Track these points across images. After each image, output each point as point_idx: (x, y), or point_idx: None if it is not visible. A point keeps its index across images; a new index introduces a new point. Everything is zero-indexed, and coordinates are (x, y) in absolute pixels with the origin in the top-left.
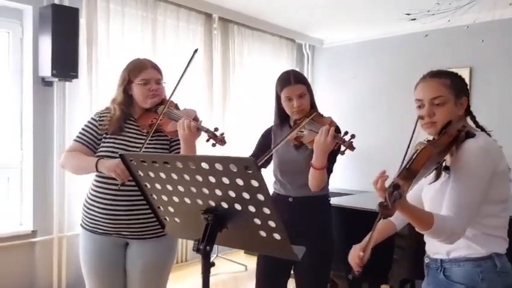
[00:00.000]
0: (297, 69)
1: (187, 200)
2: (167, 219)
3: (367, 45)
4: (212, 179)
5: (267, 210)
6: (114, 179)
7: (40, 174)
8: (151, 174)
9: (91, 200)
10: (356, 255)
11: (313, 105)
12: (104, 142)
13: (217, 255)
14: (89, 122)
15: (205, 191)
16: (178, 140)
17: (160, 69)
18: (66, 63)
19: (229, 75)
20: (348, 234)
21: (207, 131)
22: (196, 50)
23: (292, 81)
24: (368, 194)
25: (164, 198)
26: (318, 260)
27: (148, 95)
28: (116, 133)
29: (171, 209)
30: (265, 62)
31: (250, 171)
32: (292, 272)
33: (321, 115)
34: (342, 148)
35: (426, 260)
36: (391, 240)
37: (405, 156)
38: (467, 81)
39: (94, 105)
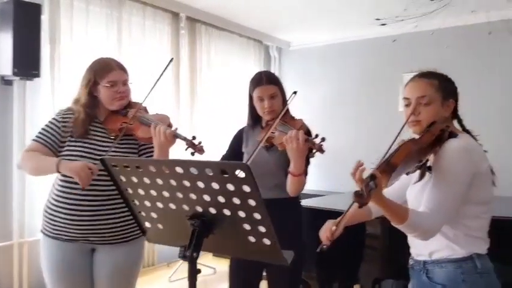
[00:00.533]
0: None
1: (172, 206)
2: (150, 225)
3: (334, 48)
4: (201, 184)
5: (257, 216)
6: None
7: None
8: (134, 180)
9: (54, 205)
10: (328, 228)
11: (285, 106)
12: (69, 146)
13: None
14: (51, 122)
15: (193, 196)
16: (148, 144)
17: (126, 69)
18: (27, 61)
19: (196, 76)
20: (319, 235)
21: (185, 139)
22: (171, 60)
23: (264, 81)
24: (338, 195)
25: (147, 204)
26: (291, 262)
27: (115, 97)
28: (81, 137)
29: (154, 215)
30: (233, 63)
31: (242, 176)
32: (264, 273)
33: (293, 117)
34: (313, 151)
35: (410, 262)
36: (361, 240)
37: (388, 151)
38: None
39: (56, 105)
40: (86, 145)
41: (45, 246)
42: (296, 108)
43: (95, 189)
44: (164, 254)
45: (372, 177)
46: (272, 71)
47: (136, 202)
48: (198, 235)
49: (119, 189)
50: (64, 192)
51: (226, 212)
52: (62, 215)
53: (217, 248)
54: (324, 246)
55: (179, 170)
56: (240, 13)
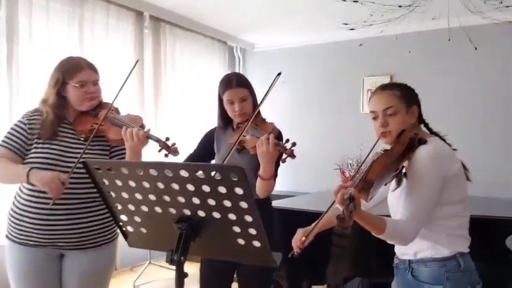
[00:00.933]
0: (229, 72)
1: (158, 209)
2: (132, 230)
3: (298, 51)
4: (191, 187)
5: (249, 218)
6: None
7: None
8: (118, 183)
9: (20, 209)
10: (299, 238)
11: (255, 109)
12: (37, 148)
13: (149, 263)
14: (16, 125)
15: (181, 199)
16: (119, 146)
17: (96, 69)
18: None
19: (161, 77)
20: (290, 235)
21: (158, 140)
22: (137, 61)
23: (234, 84)
24: (306, 195)
25: (131, 207)
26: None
27: (85, 97)
28: (50, 139)
29: (137, 219)
30: (198, 64)
31: (235, 179)
32: (235, 275)
33: (264, 120)
34: (284, 156)
35: (395, 261)
36: (329, 239)
37: (360, 166)
38: None
39: (14, 107)
40: (54, 147)
41: (10, 252)
42: (261, 110)
43: (68, 192)
44: (128, 258)
45: (351, 199)
46: (236, 72)
47: (119, 206)
48: (185, 239)
49: (101, 193)
50: (32, 196)
51: (216, 214)
52: (29, 220)
53: (203, 251)
54: (295, 253)
55: (168, 172)
56: (205, 13)
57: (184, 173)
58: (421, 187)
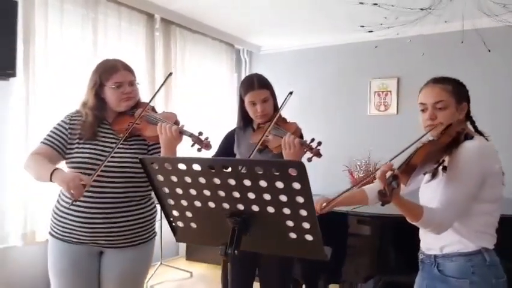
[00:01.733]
0: (236, 75)
1: (211, 204)
2: (182, 224)
3: (304, 53)
4: (247, 182)
5: (304, 212)
6: (92, 185)
7: None
8: (174, 179)
9: (64, 207)
10: (320, 203)
11: (276, 109)
12: (78, 149)
13: (161, 263)
14: (58, 124)
15: (236, 194)
16: (157, 144)
17: (132, 69)
18: (3, 61)
19: (171, 80)
20: None
21: (191, 135)
22: (170, 74)
23: (256, 86)
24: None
25: (184, 203)
26: (282, 261)
27: (122, 98)
28: (90, 139)
29: (189, 214)
30: (206, 67)
31: (294, 175)
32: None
33: (285, 119)
34: (310, 155)
35: (420, 256)
36: (347, 238)
37: (403, 152)
38: (394, 90)
39: (31, 106)
40: (94, 147)
41: (54, 249)
42: None
43: (108, 191)
44: None
45: (394, 177)
46: (243, 75)
47: (171, 201)
48: (238, 233)
49: (154, 189)
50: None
51: (270, 209)
52: (72, 217)
53: (253, 245)
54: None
55: (227, 168)
56: (213, 16)
57: (243, 169)
58: (463, 179)
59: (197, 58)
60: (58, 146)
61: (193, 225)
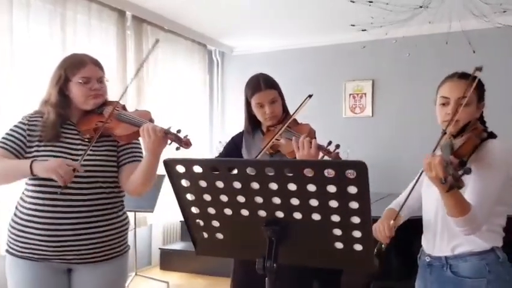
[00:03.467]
0: (208, 76)
1: (245, 212)
2: (206, 235)
3: (278, 55)
4: (292, 187)
5: (356, 220)
6: (55, 191)
7: None
8: (202, 184)
9: (24, 219)
10: (384, 227)
11: (285, 110)
12: (38, 151)
13: (136, 274)
14: (16, 126)
15: (276, 200)
16: (129, 145)
17: (101, 65)
18: None
19: (143, 79)
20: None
21: (169, 133)
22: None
23: (263, 86)
24: None
25: (211, 211)
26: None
27: (89, 95)
28: (52, 140)
29: (216, 224)
30: (178, 66)
31: (352, 177)
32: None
33: (296, 121)
34: (328, 159)
35: (427, 259)
36: None
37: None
38: (369, 92)
39: None
40: (57, 149)
41: (12, 267)
42: (237, 114)
43: (77, 199)
44: None
45: (462, 163)
46: (215, 75)
47: (195, 210)
48: (276, 244)
49: (176, 195)
50: (37, 204)
51: (316, 216)
52: (34, 230)
53: (290, 257)
54: (383, 246)
55: (270, 171)
56: (186, 15)
57: (289, 172)
58: (494, 178)
59: (169, 58)
60: (15, 149)
61: (220, 235)
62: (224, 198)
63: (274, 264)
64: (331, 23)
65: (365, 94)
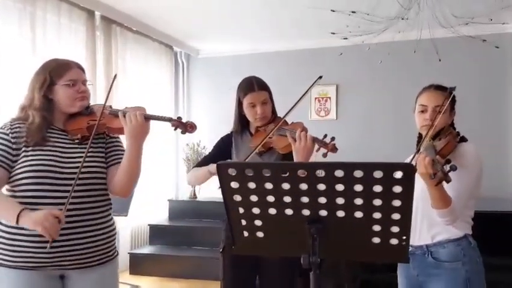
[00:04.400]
0: (174, 78)
1: (289, 211)
2: (247, 234)
3: (244, 59)
4: (340, 187)
5: (396, 216)
6: (47, 196)
7: None
8: (251, 186)
9: (12, 227)
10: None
11: (274, 112)
12: (26, 157)
13: None
14: None
15: (322, 200)
16: (112, 139)
17: (84, 69)
18: None
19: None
20: None
21: (170, 119)
22: (115, 76)
23: (256, 87)
24: None
25: (255, 211)
26: (286, 269)
27: (76, 97)
28: (40, 144)
29: (258, 223)
30: (147, 69)
31: (398, 177)
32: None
33: (287, 122)
34: (324, 151)
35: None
36: None
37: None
38: (334, 97)
39: None
40: (46, 153)
41: (5, 280)
42: (203, 117)
43: (70, 202)
44: None
45: (448, 161)
46: (180, 77)
47: (241, 210)
48: (319, 240)
49: (224, 196)
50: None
51: (358, 214)
52: (27, 238)
53: (328, 252)
54: None
55: (320, 173)
56: (154, 16)
57: (339, 173)
58: (470, 176)
59: (138, 59)
60: (3, 161)
61: (260, 234)
62: (271, 198)
63: (318, 259)
64: (297, 29)
65: (330, 98)
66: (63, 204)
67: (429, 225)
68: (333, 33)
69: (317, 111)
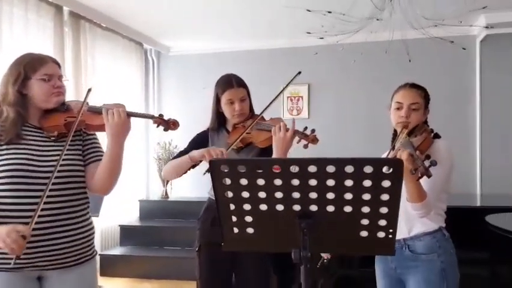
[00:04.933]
0: (144, 75)
1: (280, 207)
2: (237, 230)
3: (216, 57)
4: (331, 182)
5: (384, 210)
6: (22, 196)
7: None
8: (243, 182)
9: None
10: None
11: (252, 110)
12: (1, 155)
13: None
14: None
15: (313, 195)
16: (89, 136)
17: (59, 64)
18: None
19: (81, 78)
20: None
21: (152, 117)
22: (89, 90)
23: (235, 84)
24: None
25: (246, 207)
26: (261, 266)
27: (52, 92)
28: (15, 141)
29: (248, 219)
30: (116, 66)
31: (387, 172)
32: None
33: (264, 118)
34: (305, 142)
35: None
36: None
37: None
38: (306, 96)
39: None
40: (21, 151)
41: None
42: (174, 116)
43: (48, 201)
44: None
45: (428, 156)
46: (150, 75)
47: (232, 206)
48: (309, 235)
49: (216, 193)
50: (4, 210)
51: (347, 208)
52: None
53: (316, 245)
54: (325, 260)
55: (312, 169)
56: (123, 12)
57: (330, 169)
58: (443, 171)
59: (107, 56)
60: None
61: (250, 230)
62: (262, 194)
63: (309, 253)
64: (270, 28)
65: (302, 97)
66: (46, 204)
67: (407, 219)
68: (309, 33)
69: (289, 110)
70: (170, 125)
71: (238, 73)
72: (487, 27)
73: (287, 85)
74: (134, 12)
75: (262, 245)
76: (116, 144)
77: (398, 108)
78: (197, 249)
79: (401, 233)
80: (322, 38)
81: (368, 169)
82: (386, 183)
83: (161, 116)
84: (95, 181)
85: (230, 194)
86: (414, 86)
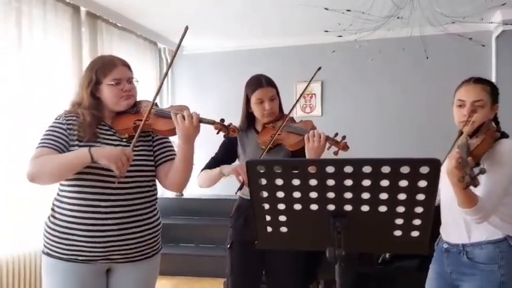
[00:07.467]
0: (158, 74)
1: (314, 207)
2: (270, 229)
3: (230, 56)
4: (366, 183)
5: (419, 209)
6: (95, 192)
7: None
8: (278, 182)
9: (65, 221)
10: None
11: (281, 110)
12: None
13: None
14: (53, 126)
15: (348, 195)
16: (163, 139)
17: (130, 66)
18: None
19: None
20: None
21: (213, 122)
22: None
23: (264, 83)
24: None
25: (281, 206)
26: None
27: (121, 96)
28: (91, 140)
29: (282, 218)
30: (131, 64)
31: (424, 172)
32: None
33: (294, 119)
34: (335, 149)
35: (444, 246)
36: None
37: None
38: (319, 93)
39: None
40: None
41: (53, 270)
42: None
43: (118, 199)
44: None
45: (478, 164)
46: (163, 74)
47: (266, 206)
48: (344, 234)
49: (252, 193)
50: (78, 205)
51: (382, 208)
52: (79, 232)
53: (350, 244)
54: (387, 255)
55: (348, 169)
56: (138, 12)
57: (367, 169)
58: (502, 173)
59: (122, 55)
60: (61, 148)
61: (284, 229)
62: (297, 194)
63: (344, 252)
64: (283, 26)
65: (315, 95)
66: (112, 200)
67: (467, 224)
68: (327, 31)
69: (302, 107)
70: (230, 131)
71: (251, 71)
72: (505, 24)
73: (310, 81)
74: (149, 11)
75: (295, 243)
76: (187, 146)
77: (460, 106)
78: (229, 246)
79: (461, 238)
80: (340, 36)
81: (405, 169)
82: (423, 183)
83: (222, 120)
84: (170, 179)
85: (265, 194)
86: (478, 80)
